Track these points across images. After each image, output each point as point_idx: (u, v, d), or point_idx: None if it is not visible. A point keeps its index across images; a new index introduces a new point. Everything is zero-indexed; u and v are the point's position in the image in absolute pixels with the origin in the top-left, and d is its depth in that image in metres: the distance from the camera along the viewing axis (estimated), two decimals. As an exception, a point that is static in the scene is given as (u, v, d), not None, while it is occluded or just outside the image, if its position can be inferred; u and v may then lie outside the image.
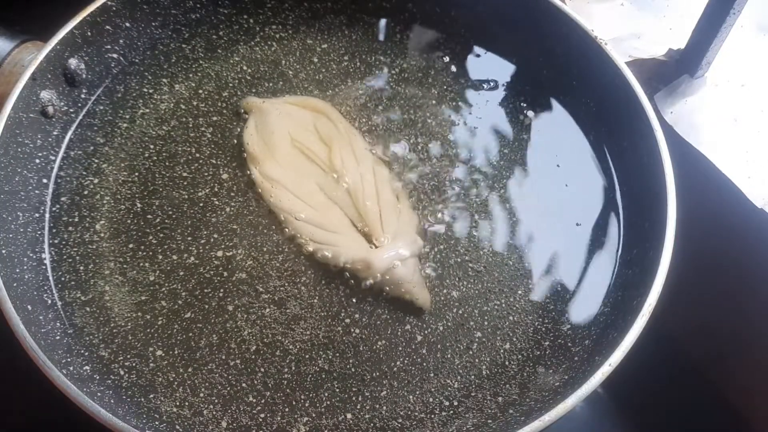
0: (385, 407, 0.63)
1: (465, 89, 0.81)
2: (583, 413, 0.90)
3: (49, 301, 0.66)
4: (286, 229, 0.71)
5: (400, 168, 0.75)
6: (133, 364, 0.64)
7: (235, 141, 0.77)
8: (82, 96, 0.78)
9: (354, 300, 0.67)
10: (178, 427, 0.61)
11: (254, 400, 0.62)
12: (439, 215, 0.72)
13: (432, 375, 0.64)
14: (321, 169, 0.74)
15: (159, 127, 0.78)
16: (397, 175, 0.75)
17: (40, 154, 0.73)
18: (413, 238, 0.70)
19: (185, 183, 0.74)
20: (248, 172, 0.74)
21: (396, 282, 0.67)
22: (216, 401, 0.62)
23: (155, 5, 0.81)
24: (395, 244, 0.68)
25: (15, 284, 0.63)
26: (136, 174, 0.74)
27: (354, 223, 0.71)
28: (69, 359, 0.62)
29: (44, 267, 0.68)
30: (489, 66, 0.83)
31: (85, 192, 0.73)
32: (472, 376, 0.64)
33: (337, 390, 0.63)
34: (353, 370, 0.64)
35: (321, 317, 0.66)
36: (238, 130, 0.77)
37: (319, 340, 0.65)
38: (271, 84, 0.81)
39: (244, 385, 0.63)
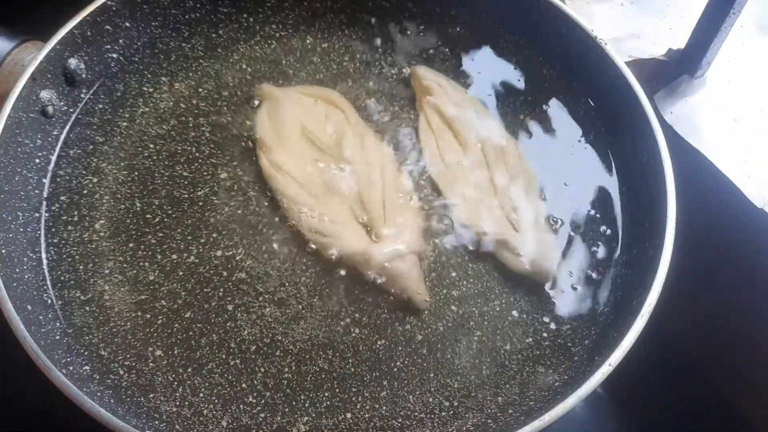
0: (384, 407, 0.63)
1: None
2: (583, 413, 0.90)
3: (49, 301, 0.66)
4: (288, 221, 0.71)
5: (410, 166, 0.75)
6: (133, 364, 0.64)
7: (235, 140, 0.77)
8: (82, 95, 0.78)
9: (354, 300, 0.67)
10: (177, 426, 0.61)
11: (254, 400, 0.62)
12: (442, 214, 0.72)
13: (432, 375, 0.64)
14: (329, 160, 0.74)
15: (159, 126, 0.77)
16: (406, 172, 0.75)
17: (39, 154, 0.73)
18: (415, 235, 0.70)
19: (185, 182, 0.74)
20: (248, 171, 0.74)
21: (394, 277, 0.67)
22: (216, 401, 0.62)
23: (155, 5, 0.81)
24: (396, 239, 0.68)
25: (15, 284, 0.63)
26: (136, 173, 0.74)
27: (356, 215, 0.70)
28: (69, 359, 0.62)
29: (44, 266, 0.68)
30: (489, 65, 0.83)
31: (85, 191, 0.73)
32: (472, 376, 0.64)
33: (337, 390, 0.63)
34: (353, 369, 0.64)
35: (321, 317, 0.66)
36: (238, 129, 0.77)
37: (319, 340, 0.65)
38: (270, 84, 0.81)
39: (244, 384, 0.63)
